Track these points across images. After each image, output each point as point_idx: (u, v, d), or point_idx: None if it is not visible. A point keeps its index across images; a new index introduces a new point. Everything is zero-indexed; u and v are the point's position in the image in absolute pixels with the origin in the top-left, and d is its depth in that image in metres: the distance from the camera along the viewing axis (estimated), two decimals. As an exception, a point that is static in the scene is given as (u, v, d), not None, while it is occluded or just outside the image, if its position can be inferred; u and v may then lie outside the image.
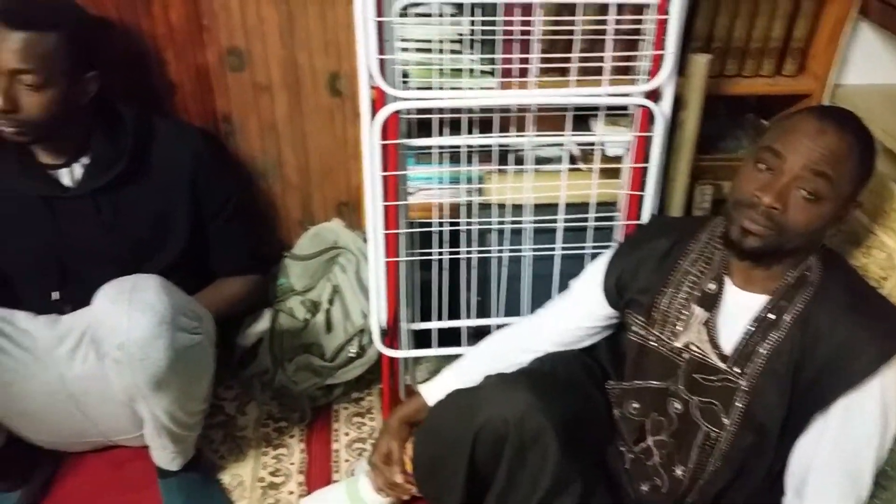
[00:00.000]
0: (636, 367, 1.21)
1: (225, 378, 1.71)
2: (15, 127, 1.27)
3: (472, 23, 1.30)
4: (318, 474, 1.55)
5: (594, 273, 1.27)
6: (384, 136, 1.27)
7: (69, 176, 1.40)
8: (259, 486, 1.52)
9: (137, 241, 1.45)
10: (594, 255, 1.41)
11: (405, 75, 1.32)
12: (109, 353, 1.15)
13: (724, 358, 1.10)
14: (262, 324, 1.72)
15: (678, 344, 1.14)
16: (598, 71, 1.32)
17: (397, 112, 1.26)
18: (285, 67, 1.57)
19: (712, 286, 1.12)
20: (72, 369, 1.31)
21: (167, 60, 1.53)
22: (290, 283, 1.83)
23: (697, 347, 1.12)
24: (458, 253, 1.46)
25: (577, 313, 1.30)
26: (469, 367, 1.32)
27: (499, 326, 1.45)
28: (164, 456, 1.37)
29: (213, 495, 1.47)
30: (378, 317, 1.46)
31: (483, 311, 1.56)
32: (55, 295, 1.44)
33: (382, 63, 1.22)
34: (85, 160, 1.39)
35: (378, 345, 1.48)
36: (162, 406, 1.23)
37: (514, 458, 1.10)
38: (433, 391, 1.32)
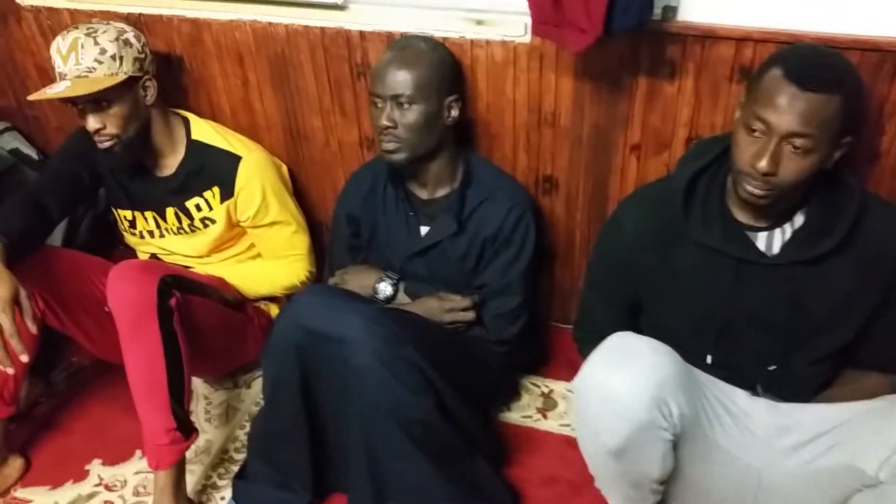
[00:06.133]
0: None
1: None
2: (766, 190, 1.19)
3: None
4: None
5: None
6: None
7: (766, 241, 1.30)
8: None
9: (813, 319, 1.31)
10: None
11: None
12: None
13: None
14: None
15: None
16: None
17: None
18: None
19: None
20: (784, 462, 1.21)
21: (885, 130, 1.36)
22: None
23: None
24: None
25: None
26: None
27: None
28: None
29: None
30: None
31: None
32: (709, 358, 1.36)
33: None
34: (788, 227, 1.29)
35: None
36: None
37: None
38: None
